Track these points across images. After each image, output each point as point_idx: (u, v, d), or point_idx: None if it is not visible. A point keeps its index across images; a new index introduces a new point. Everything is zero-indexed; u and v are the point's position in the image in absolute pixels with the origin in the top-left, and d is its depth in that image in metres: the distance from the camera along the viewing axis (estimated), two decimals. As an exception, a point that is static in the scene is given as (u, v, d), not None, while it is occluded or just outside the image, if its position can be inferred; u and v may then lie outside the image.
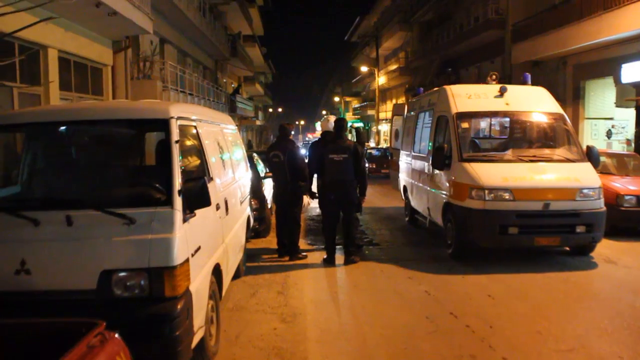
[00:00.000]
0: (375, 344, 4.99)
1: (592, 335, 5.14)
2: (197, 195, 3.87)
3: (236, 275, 6.88)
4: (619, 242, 9.28)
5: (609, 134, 17.18)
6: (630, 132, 16.79)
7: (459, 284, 6.99)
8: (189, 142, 4.81)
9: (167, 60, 19.74)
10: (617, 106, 16.75)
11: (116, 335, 2.39)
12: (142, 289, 3.53)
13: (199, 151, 4.95)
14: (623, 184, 10.30)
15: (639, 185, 10.38)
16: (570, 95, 18.48)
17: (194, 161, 4.91)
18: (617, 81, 15.91)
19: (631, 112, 16.13)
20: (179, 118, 4.29)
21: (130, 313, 3.47)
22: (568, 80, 18.69)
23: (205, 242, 4.35)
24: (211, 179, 4.99)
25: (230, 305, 6.09)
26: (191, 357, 3.86)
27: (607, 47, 16.14)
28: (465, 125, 8.98)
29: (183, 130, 4.46)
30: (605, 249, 8.59)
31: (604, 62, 16.62)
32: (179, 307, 3.53)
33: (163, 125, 4.10)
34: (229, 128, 7.39)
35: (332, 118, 8.84)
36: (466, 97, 9.17)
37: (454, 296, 6.45)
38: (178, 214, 3.72)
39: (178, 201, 3.77)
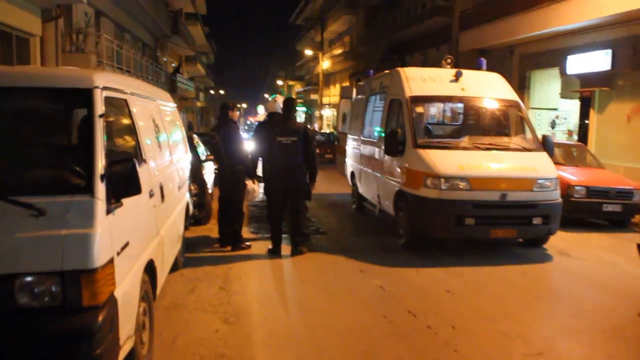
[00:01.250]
0: (331, 349, 4.47)
1: (559, 335, 4.81)
2: (124, 181, 3.20)
3: (174, 268, 6.21)
4: (570, 233, 9.15)
5: (553, 125, 17.31)
6: (572, 123, 16.99)
7: (415, 278, 6.58)
8: (118, 119, 4.12)
9: (103, 33, 18.51)
10: (561, 97, 16.91)
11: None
12: (54, 298, 2.85)
13: (130, 129, 4.26)
14: (573, 174, 10.21)
15: (588, 176, 10.34)
16: (516, 85, 18.38)
17: (124, 141, 4.22)
18: (563, 72, 16.00)
19: (574, 103, 16.29)
20: (105, 88, 3.59)
21: (38, 328, 2.79)
22: (514, 70, 18.70)
23: (136, 235, 3.69)
24: (144, 161, 4.32)
25: (167, 303, 5.44)
26: (117, 373, 3.23)
27: (554, 38, 16.19)
28: (419, 109, 8.58)
29: (111, 103, 3.77)
30: (557, 240, 8.40)
31: (550, 52, 16.67)
32: (100, 318, 2.86)
33: (85, 95, 3.39)
34: (167, 105, 6.67)
35: (281, 98, 8.22)
36: (421, 80, 8.75)
37: (411, 292, 6.02)
38: (100, 204, 3.04)
39: (100, 188, 3.09)
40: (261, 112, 72.22)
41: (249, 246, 7.88)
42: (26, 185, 3.10)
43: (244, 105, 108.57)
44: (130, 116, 4.26)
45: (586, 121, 15.48)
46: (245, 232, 8.48)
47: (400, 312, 5.32)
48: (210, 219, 9.67)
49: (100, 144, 3.23)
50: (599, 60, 14.37)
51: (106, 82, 3.67)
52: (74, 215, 2.93)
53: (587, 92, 15.43)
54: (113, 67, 18.09)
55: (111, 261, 3.03)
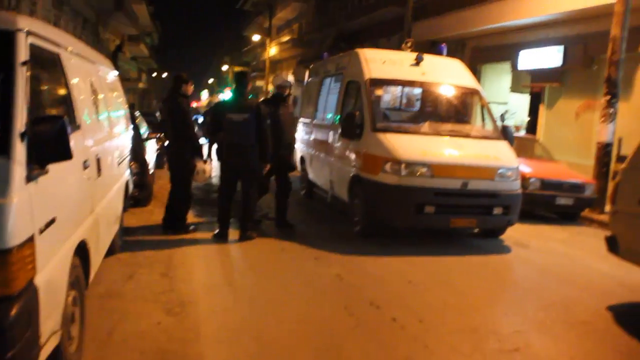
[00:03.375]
0: (289, 344, 3.99)
1: (532, 331, 4.51)
2: (51, 142, 2.60)
3: (110, 252, 5.57)
4: (523, 226, 8.95)
5: (502, 119, 17.31)
6: (520, 119, 17.10)
7: (373, 266, 6.18)
8: (46, 75, 3.49)
9: (38, 0, 17.24)
10: (511, 91, 16.99)
11: None
12: None
13: (63, 89, 3.64)
14: (527, 166, 10.08)
15: (542, 168, 10.27)
16: (469, 78, 18.46)
17: (54, 102, 3.59)
18: (514, 67, 16.05)
19: (524, 98, 16.38)
20: (31, 34, 2.97)
21: None
22: (465, 63, 18.45)
23: (65, 211, 3.09)
24: (78, 127, 3.71)
25: (102, 290, 4.82)
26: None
27: (506, 33, 16.21)
28: (379, 92, 8.19)
29: (38, 55, 3.15)
30: (512, 232, 8.18)
31: (502, 47, 16.68)
32: (13, 312, 2.27)
33: (4, 39, 2.78)
34: (108, 72, 6.00)
35: (285, 74, 7.70)
36: (381, 62, 8.35)
37: (371, 281, 5.63)
38: (18, 169, 2.44)
39: (19, 148, 2.49)
40: (204, 97, 70.54)
41: (194, 229, 7.31)
42: None
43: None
44: (63, 74, 3.64)
45: (526, 118, 15.60)
46: (189, 215, 7.86)
47: (361, 303, 4.91)
48: (151, 200, 9.00)
49: (22, 96, 2.62)
50: (550, 57, 14.45)
51: (33, 27, 3.05)
52: (-17, 181, 2.33)
53: (538, 87, 15.54)
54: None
55: (31, 239, 2.44)
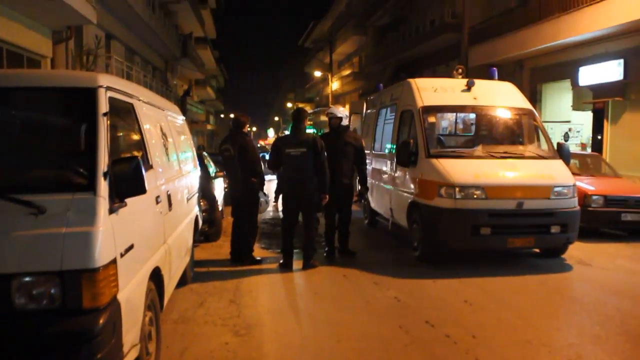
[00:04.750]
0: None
1: (586, 343, 4.58)
2: (128, 180, 3.08)
3: (182, 282, 6.07)
4: (588, 244, 8.88)
5: (566, 137, 17.07)
6: (585, 136, 16.77)
7: (431, 288, 6.37)
8: (123, 122, 4.01)
9: (113, 55, 18.64)
10: (573, 109, 16.75)
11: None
12: (53, 299, 2.71)
13: (136, 134, 4.15)
14: (590, 184, 9.98)
15: (605, 185, 10.11)
16: (527, 98, 18.29)
17: (130, 145, 4.10)
18: (574, 84, 15.85)
19: (587, 115, 16.10)
20: (109, 89, 3.50)
21: (37, 331, 2.65)
22: (524, 83, 18.51)
23: (141, 240, 3.55)
24: (151, 167, 4.20)
25: (175, 317, 5.28)
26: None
27: (564, 50, 16.07)
28: (432, 119, 8.42)
29: (115, 106, 3.66)
30: (575, 250, 8.14)
31: (561, 65, 16.54)
32: (101, 321, 2.72)
33: (88, 95, 3.30)
34: (176, 117, 6.59)
35: (340, 108, 8.34)
36: (432, 90, 8.62)
37: (427, 302, 5.81)
38: (102, 202, 2.92)
39: (103, 186, 2.97)
40: (271, 135, 72.62)
41: (260, 261, 7.72)
42: (27, 183, 2.99)
43: (254, 129, 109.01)
44: (137, 121, 4.16)
45: (599, 136, 15.27)
46: (256, 248, 8.31)
47: (417, 323, 5.12)
48: (220, 235, 9.53)
49: (104, 142, 3.12)
50: (611, 71, 14.22)
51: (110, 83, 3.57)
52: (75, 213, 2.81)
53: (600, 103, 15.25)
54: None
55: (114, 262, 2.90)
